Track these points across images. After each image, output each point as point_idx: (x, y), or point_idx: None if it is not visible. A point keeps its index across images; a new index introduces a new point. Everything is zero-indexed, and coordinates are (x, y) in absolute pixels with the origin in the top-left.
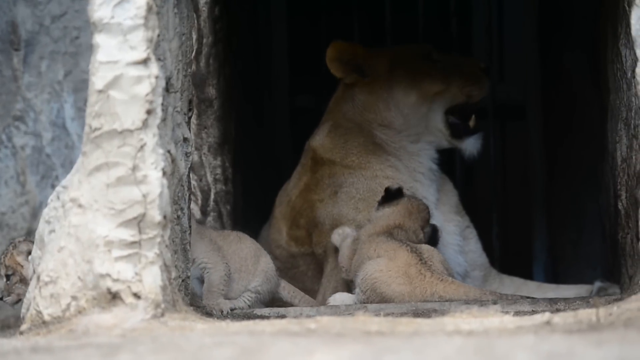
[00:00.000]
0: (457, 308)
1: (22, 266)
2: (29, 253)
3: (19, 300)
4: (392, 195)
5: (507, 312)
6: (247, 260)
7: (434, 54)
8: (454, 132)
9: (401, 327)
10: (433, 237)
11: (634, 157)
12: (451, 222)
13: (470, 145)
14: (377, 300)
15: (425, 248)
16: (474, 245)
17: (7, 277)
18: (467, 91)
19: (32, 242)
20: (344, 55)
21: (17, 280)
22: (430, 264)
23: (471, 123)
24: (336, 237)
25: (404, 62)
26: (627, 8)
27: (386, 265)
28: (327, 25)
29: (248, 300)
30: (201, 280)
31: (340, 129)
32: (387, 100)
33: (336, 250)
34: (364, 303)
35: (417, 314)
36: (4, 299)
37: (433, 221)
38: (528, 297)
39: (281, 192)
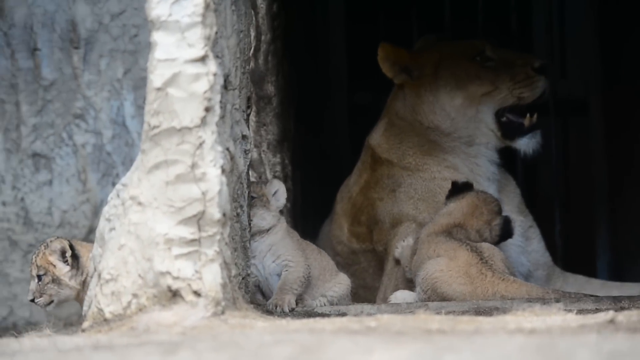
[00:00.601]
0: (519, 306)
1: (54, 266)
2: (63, 252)
3: (50, 302)
4: (459, 190)
5: (570, 311)
6: (325, 271)
7: (488, 51)
8: (505, 133)
9: (462, 326)
10: (506, 229)
11: None
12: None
13: (524, 145)
14: (438, 299)
15: (486, 247)
16: (537, 245)
17: (39, 277)
18: (517, 93)
19: (66, 240)
20: (391, 56)
21: (49, 280)
22: (491, 263)
23: (526, 122)
24: (399, 250)
25: (450, 63)
26: None
27: (447, 265)
28: (385, 21)
29: (322, 305)
30: (278, 275)
31: (394, 128)
32: (432, 103)
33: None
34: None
35: (478, 312)
36: (36, 300)
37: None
38: (591, 296)
39: (342, 188)
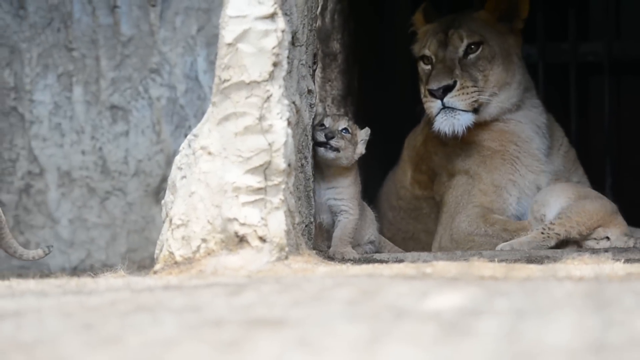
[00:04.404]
0: (569, 255)
1: None
2: None
3: None
4: None
5: (617, 260)
6: (366, 219)
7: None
8: None
9: (514, 273)
10: None
11: None
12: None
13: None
14: None
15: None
16: None
17: None
18: None
19: None
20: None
21: None
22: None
23: None
24: None
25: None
26: None
27: None
28: None
29: (370, 250)
30: (331, 210)
31: None
32: None
33: None
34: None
35: (530, 260)
36: None
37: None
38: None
39: (410, 135)
